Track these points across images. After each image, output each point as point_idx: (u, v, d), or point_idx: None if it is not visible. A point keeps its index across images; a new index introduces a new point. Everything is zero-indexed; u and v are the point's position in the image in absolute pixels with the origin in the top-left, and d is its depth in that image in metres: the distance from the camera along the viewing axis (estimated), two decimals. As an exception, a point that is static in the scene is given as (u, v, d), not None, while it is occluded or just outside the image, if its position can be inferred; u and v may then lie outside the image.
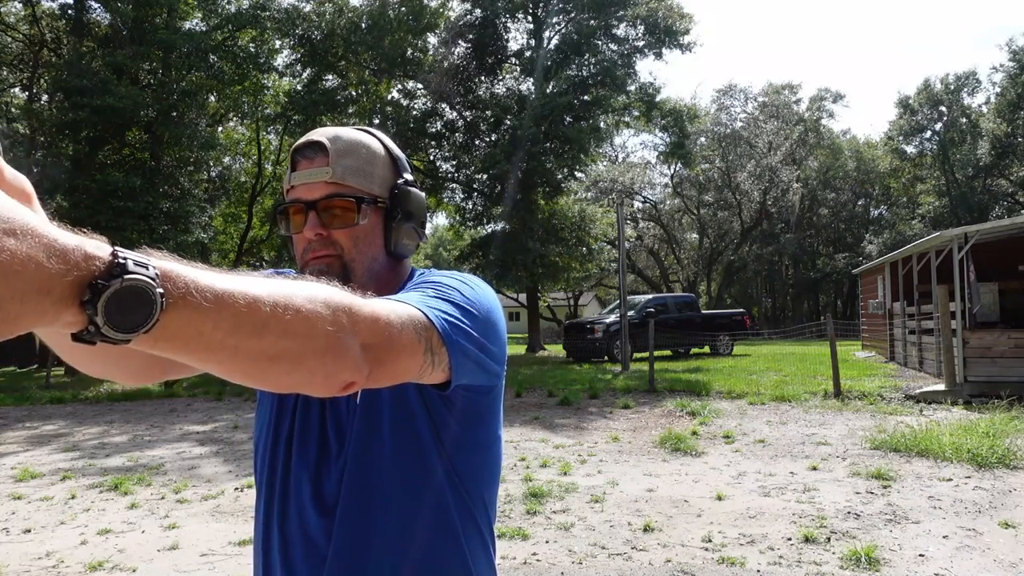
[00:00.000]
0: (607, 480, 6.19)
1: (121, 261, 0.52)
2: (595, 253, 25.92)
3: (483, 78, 25.06)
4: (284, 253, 28.16)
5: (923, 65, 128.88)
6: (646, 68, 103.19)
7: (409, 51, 24.42)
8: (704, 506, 5.33)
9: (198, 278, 0.57)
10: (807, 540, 4.48)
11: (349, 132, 1.08)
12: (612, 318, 19.48)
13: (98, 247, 0.53)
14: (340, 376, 0.71)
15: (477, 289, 1.01)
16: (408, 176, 1.11)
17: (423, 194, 1.13)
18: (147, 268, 0.53)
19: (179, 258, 0.59)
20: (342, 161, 1.04)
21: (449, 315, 0.89)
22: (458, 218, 27.97)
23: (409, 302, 0.86)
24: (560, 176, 23.78)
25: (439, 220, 35.67)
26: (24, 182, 0.60)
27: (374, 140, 1.10)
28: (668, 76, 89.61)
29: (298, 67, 25.27)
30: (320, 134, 1.06)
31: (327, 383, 0.70)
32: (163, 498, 5.90)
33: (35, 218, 0.50)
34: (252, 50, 23.50)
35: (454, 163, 26.26)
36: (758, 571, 4.01)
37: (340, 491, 1.01)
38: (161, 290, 0.54)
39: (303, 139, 1.07)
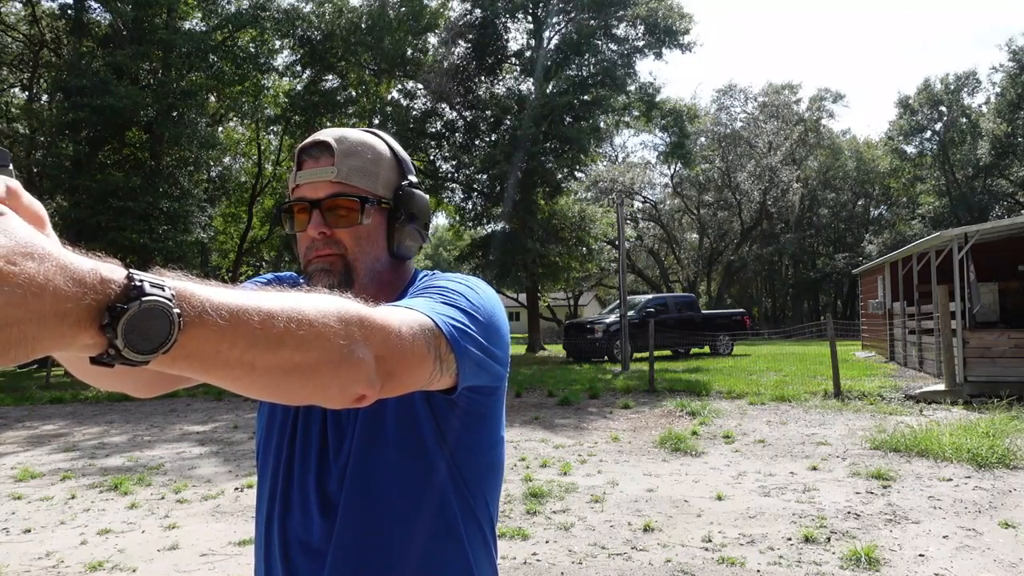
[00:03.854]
0: (607, 480, 6.19)
1: (137, 283, 0.53)
2: (595, 253, 25.92)
3: (483, 78, 25.04)
4: (284, 253, 28.17)
5: (923, 65, 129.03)
6: (646, 68, 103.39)
7: (409, 51, 24.43)
8: (704, 506, 5.33)
9: (212, 296, 0.58)
10: (807, 540, 4.48)
11: (355, 133, 1.08)
12: (612, 318, 19.47)
13: (112, 270, 0.53)
14: (354, 388, 0.72)
15: (482, 293, 1.01)
16: (412, 178, 1.12)
17: (427, 196, 1.14)
18: (163, 289, 0.54)
19: (191, 276, 0.60)
20: (347, 161, 1.04)
21: (456, 321, 0.90)
22: (458, 218, 27.97)
23: (418, 309, 0.86)
24: (560, 176, 23.79)
25: (439, 220, 35.70)
26: (39, 207, 0.60)
27: (379, 141, 1.11)
28: (668, 76, 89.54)
29: (298, 68, 25.28)
30: (326, 134, 1.06)
31: (342, 395, 0.71)
32: (163, 498, 5.89)
33: (51, 243, 0.51)
34: (252, 50, 23.51)
35: (454, 163, 26.27)
36: (758, 571, 4.02)
37: (342, 491, 1.01)
38: (178, 310, 0.54)
39: (309, 139, 1.07)
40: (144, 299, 0.52)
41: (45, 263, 0.48)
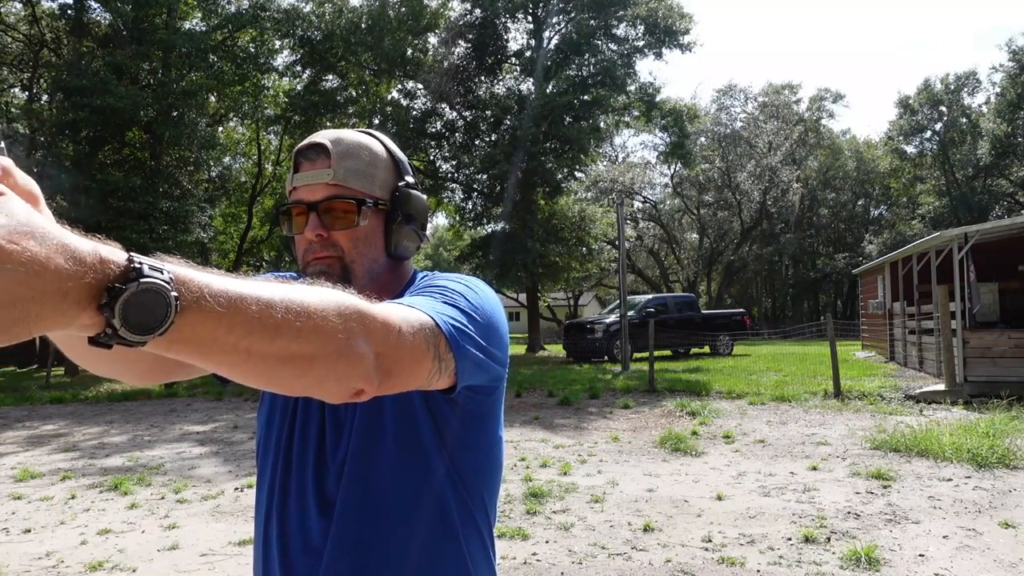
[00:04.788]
0: (607, 480, 6.19)
1: (137, 265, 0.54)
2: (595, 253, 25.92)
3: (483, 78, 25.05)
4: (284, 254, 28.16)
5: (923, 65, 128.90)
6: (646, 68, 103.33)
7: (409, 51, 24.41)
8: (704, 506, 5.33)
9: (211, 283, 0.58)
10: (807, 540, 4.48)
11: (351, 135, 1.08)
12: (612, 318, 19.47)
13: (112, 252, 0.54)
14: (352, 382, 0.72)
15: (481, 293, 1.02)
16: (410, 179, 1.12)
17: (424, 197, 1.14)
18: (162, 272, 0.55)
19: (192, 263, 0.61)
20: (344, 163, 1.04)
21: (456, 321, 0.90)
22: (458, 218, 27.97)
23: (418, 307, 0.86)
24: (560, 176, 23.78)
25: (439, 220, 35.70)
26: (32, 185, 0.61)
27: (376, 143, 1.11)
28: (668, 76, 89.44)
29: (298, 67, 25.27)
30: (322, 136, 1.06)
31: (339, 388, 0.71)
32: (163, 498, 5.90)
33: (50, 223, 0.52)
34: (252, 50, 23.51)
35: (454, 163, 26.27)
36: (758, 571, 4.02)
37: (339, 489, 1.02)
38: (176, 293, 0.55)
39: (306, 141, 1.08)
40: (142, 280, 0.53)
41: (46, 242, 0.49)
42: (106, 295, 0.52)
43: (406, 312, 0.82)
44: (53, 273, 0.49)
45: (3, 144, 0.64)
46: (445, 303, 0.93)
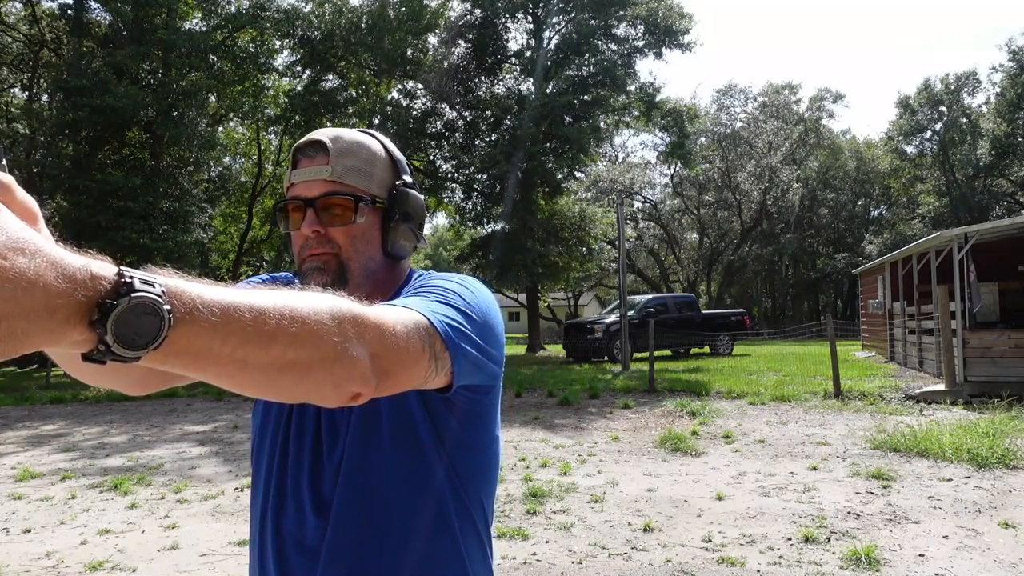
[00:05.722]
0: (607, 480, 6.19)
1: (127, 280, 0.53)
2: (595, 253, 25.92)
3: (483, 78, 25.04)
4: (284, 254, 28.16)
5: (923, 65, 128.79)
6: (646, 68, 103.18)
7: (409, 51, 24.42)
8: (704, 506, 5.33)
9: (203, 293, 0.58)
10: (807, 540, 4.48)
11: (350, 133, 1.09)
12: (612, 318, 19.47)
13: (103, 267, 0.53)
14: (349, 385, 0.71)
15: (476, 292, 1.01)
16: (407, 178, 1.12)
17: (422, 196, 1.13)
18: (153, 286, 0.54)
19: (183, 275, 0.60)
20: (342, 160, 1.04)
21: (451, 319, 0.90)
22: (458, 218, 27.96)
23: (412, 307, 0.86)
24: (560, 176, 23.78)
25: (439, 220, 35.70)
26: (32, 203, 0.61)
27: (375, 142, 1.11)
28: (668, 76, 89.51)
29: (298, 68, 25.28)
30: (322, 134, 1.07)
31: (336, 393, 0.71)
32: (163, 498, 5.89)
33: (42, 239, 0.51)
34: (252, 50, 23.54)
35: (454, 163, 26.26)
36: (758, 571, 4.01)
37: (335, 490, 1.01)
38: (168, 307, 0.54)
39: (305, 138, 1.08)
40: (134, 295, 0.52)
41: (36, 259, 0.48)
42: (97, 311, 0.52)
43: (400, 313, 0.82)
44: (41, 290, 0.48)
45: (4, 161, 0.64)
46: (440, 302, 0.93)
